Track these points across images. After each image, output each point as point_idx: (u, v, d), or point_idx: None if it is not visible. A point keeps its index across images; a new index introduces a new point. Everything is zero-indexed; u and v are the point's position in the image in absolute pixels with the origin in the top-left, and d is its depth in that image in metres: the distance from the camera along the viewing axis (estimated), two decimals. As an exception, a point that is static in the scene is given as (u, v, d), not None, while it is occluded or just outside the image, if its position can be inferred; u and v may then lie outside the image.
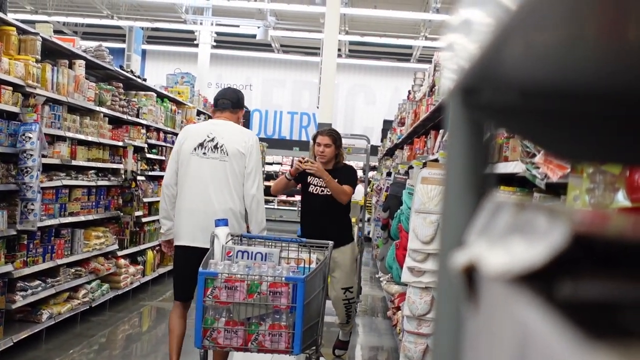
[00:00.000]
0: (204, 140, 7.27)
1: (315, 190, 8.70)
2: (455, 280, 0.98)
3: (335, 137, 8.86)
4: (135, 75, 13.75)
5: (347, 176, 8.78)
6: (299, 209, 17.55)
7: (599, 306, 0.65)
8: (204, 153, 7.23)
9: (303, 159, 8.53)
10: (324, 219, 8.64)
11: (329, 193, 8.55)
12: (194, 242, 7.21)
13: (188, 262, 7.19)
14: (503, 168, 4.57)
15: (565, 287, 0.66)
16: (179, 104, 16.42)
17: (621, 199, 2.56)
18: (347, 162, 9.14)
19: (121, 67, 14.33)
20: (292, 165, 9.25)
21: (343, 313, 9.10)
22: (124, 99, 12.42)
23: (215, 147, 7.23)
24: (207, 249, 6.88)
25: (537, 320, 0.63)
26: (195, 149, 7.27)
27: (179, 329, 7.30)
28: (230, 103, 7.52)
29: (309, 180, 8.73)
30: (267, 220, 7.41)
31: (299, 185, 8.87)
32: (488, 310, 0.83)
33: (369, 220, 20.58)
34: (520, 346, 0.67)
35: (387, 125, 26.12)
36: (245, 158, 7.20)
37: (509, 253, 0.75)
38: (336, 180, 8.54)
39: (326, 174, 8.45)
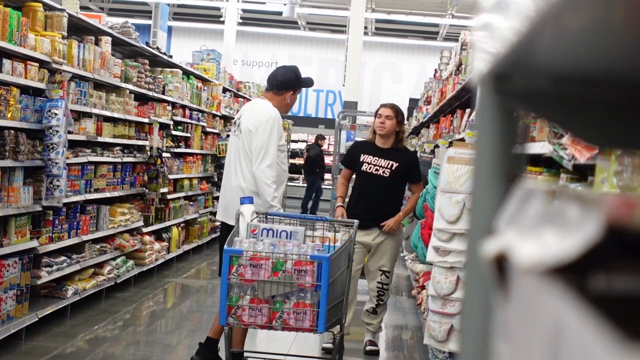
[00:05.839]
0: (237, 119, 7.45)
1: (369, 169, 8.31)
2: (485, 268, 0.97)
3: (398, 111, 8.39)
4: (161, 52, 13.75)
5: (413, 168, 8.51)
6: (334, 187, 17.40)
7: (633, 300, 0.64)
8: (234, 131, 7.41)
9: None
10: (375, 201, 8.28)
11: (385, 175, 8.21)
12: (220, 217, 7.49)
13: (219, 238, 7.70)
14: (530, 148, 4.54)
15: (599, 280, 0.65)
16: (204, 81, 16.41)
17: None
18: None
19: (147, 43, 14.33)
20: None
21: (374, 296, 8.49)
22: (150, 76, 12.43)
23: (238, 125, 7.34)
24: (227, 225, 7.10)
25: (571, 315, 0.63)
26: (232, 127, 7.60)
27: None
28: (273, 85, 7.47)
29: (361, 159, 8.36)
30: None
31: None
32: (519, 302, 0.82)
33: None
34: (554, 341, 0.66)
35: (413, 103, 26.04)
36: (252, 135, 7.12)
37: (540, 244, 0.75)
38: (397, 164, 8.25)
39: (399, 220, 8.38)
